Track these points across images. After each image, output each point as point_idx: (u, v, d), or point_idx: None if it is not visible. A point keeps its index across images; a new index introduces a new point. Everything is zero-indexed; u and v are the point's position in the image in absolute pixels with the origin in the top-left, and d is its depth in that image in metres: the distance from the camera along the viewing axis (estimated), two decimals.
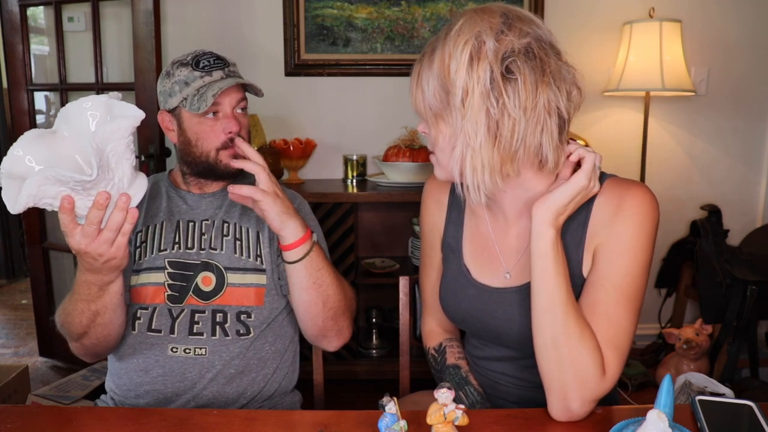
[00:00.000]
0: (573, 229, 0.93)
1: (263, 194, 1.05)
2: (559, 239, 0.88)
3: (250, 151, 1.10)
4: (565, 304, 0.86)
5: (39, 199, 0.86)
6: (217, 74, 1.17)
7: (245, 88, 1.21)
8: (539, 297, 0.88)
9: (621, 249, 0.89)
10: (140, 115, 0.89)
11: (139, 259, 1.19)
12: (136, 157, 1.03)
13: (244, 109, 1.22)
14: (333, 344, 1.19)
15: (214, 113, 1.17)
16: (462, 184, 0.92)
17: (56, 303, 2.68)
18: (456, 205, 1.09)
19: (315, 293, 1.12)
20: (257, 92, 1.21)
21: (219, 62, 1.19)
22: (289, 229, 1.07)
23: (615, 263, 0.88)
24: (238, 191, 1.05)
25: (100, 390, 2.21)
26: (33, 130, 0.92)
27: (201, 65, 1.17)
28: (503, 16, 0.87)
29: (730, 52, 2.62)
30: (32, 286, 2.66)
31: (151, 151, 2.24)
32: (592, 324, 0.87)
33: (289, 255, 1.09)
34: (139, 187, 0.94)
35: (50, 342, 2.66)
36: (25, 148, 0.89)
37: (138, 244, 1.20)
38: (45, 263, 2.62)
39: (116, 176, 0.90)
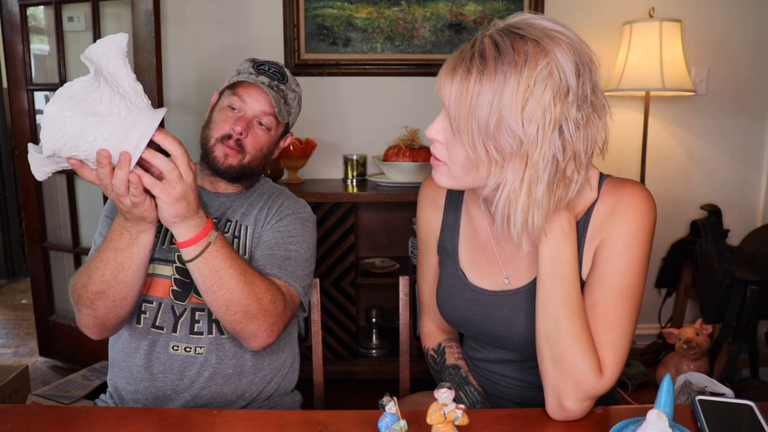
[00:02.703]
0: None
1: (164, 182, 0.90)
2: (559, 240, 0.88)
3: (169, 137, 0.91)
4: (560, 304, 0.86)
5: (61, 146, 0.83)
6: (262, 78, 1.22)
7: (279, 110, 1.20)
8: (537, 296, 0.89)
9: (618, 248, 0.89)
10: (121, 38, 0.86)
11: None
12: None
13: (265, 125, 1.22)
14: (251, 345, 1.07)
15: (236, 108, 1.20)
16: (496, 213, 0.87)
17: (56, 303, 2.69)
18: (452, 208, 1.08)
19: (212, 297, 1.01)
20: (280, 115, 1.21)
21: (276, 75, 1.23)
22: (180, 229, 0.96)
23: (613, 263, 0.89)
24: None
25: (100, 390, 2.21)
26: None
27: (259, 67, 1.23)
28: (575, 54, 0.81)
29: (731, 52, 2.62)
30: (32, 286, 2.65)
31: None
32: (591, 325, 0.87)
33: (183, 252, 0.99)
34: (148, 125, 0.87)
35: (50, 342, 2.66)
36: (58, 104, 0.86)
37: None
38: (45, 263, 2.61)
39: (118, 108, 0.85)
